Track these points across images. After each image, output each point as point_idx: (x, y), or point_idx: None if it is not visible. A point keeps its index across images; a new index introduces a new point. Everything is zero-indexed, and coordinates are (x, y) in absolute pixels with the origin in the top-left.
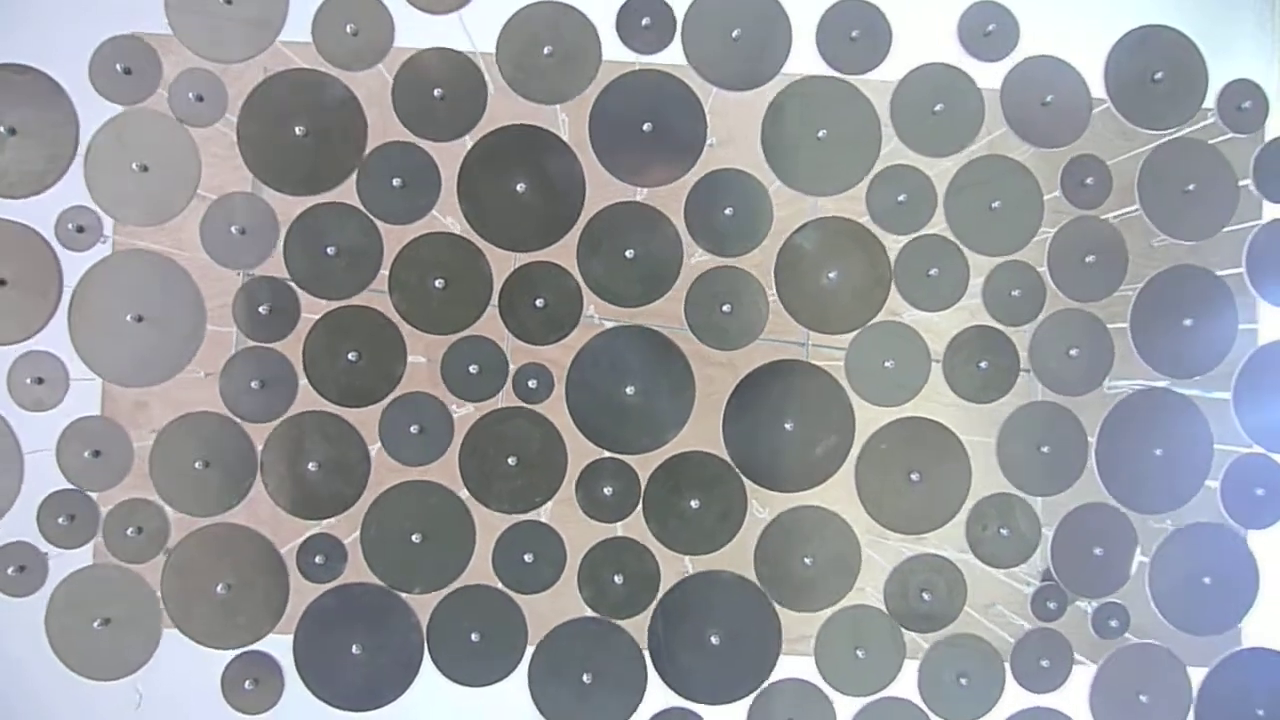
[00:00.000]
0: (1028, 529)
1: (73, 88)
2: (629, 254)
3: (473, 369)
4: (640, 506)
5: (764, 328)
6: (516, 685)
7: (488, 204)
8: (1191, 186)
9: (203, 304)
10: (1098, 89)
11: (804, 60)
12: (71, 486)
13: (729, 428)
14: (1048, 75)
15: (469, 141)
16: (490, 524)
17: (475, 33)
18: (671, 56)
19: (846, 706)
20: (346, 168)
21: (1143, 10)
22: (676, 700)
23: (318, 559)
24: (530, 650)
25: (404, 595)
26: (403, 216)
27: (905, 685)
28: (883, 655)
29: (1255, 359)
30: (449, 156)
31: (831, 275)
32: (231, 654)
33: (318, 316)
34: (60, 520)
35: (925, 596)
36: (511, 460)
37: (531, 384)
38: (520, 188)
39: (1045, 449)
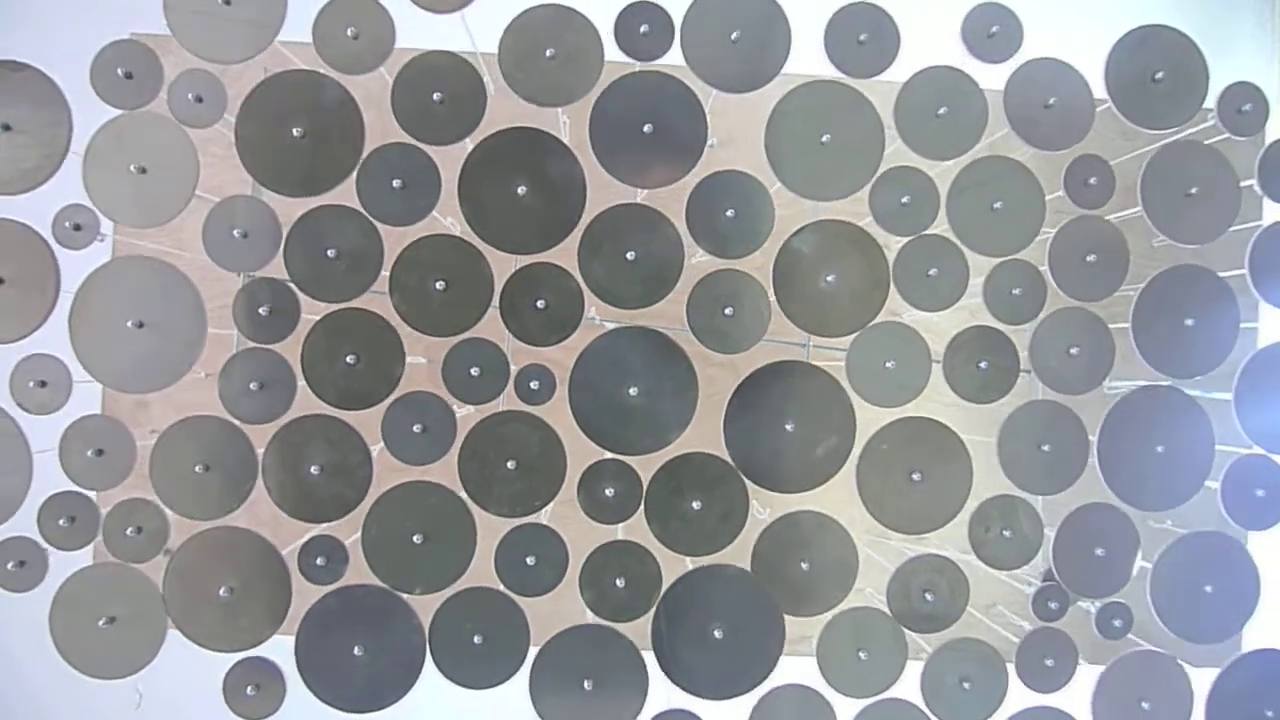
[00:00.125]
0: (1030, 531)
1: (72, 87)
2: (630, 256)
3: (474, 371)
4: (642, 508)
5: (766, 331)
6: (518, 688)
7: (488, 206)
8: (1194, 190)
9: (204, 310)
10: (1098, 89)
11: (805, 62)
12: (72, 488)
13: (730, 428)
14: (1050, 78)
15: (469, 144)
16: (492, 525)
17: (476, 34)
18: (671, 58)
19: (847, 707)
20: (344, 169)
21: (1143, 10)
22: (677, 701)
23: (319, 560)
24: (532, 652)
25: (405, 596)
26: (403, 218)
27: (908, 687)
28: (885, 657)
29: (1256, 360)
30: (449, 158)
31: (830, 278)
32: (233, 656)
33: (318, 318)
34: (61, 522)
35: (928, 597)
36: (511, 464)
37: (533, 385)
38: (521, 190)
39: (1046, 448)
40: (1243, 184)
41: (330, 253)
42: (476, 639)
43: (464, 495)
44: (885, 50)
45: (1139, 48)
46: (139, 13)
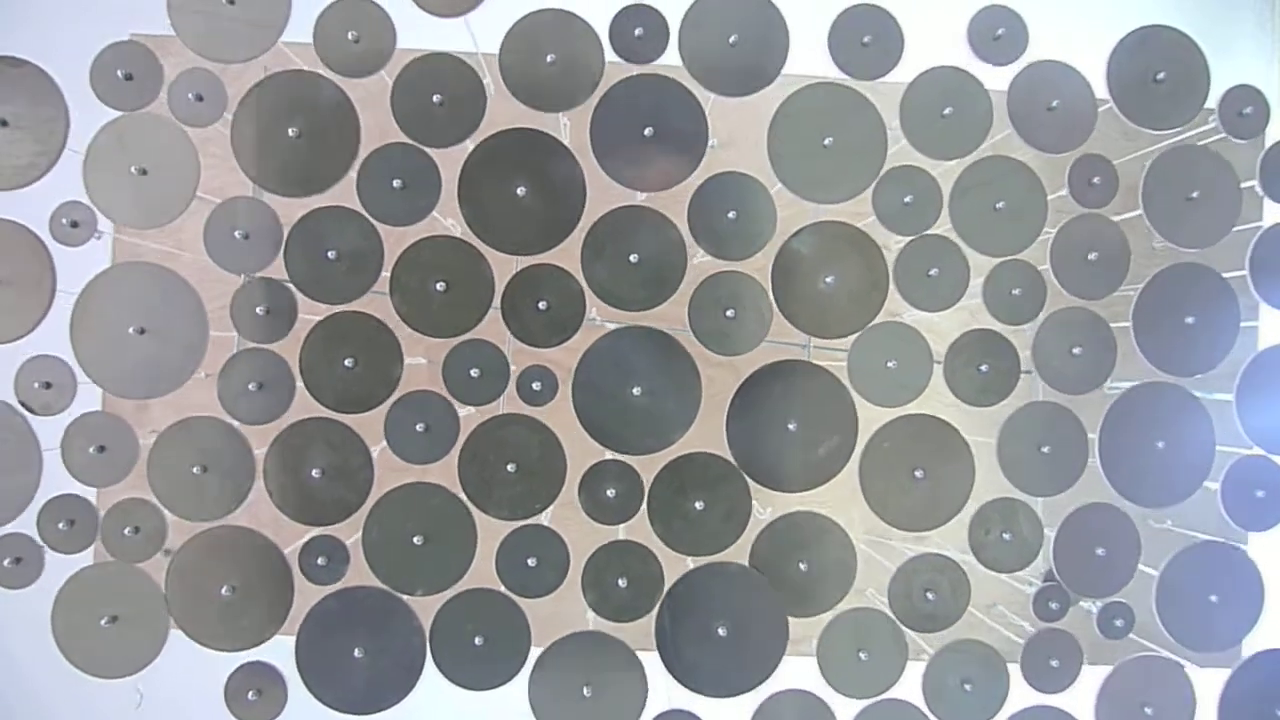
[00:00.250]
0: (1030, 534)
1: (72, 87)
2: (633, 258)
3: (474, 372)
4: (644, 508)
5: (767, 333)
6: (519, 689)
7: (489, 208)
8: (1195, 194)
9: (205, 316)
10: (1100, 89)
11: (809, 63)
12: (74, 483)
13: (732, 427)
14: (1054, 80)
15: (470, 145)
16: (493, 526)
17: (476, 35)
18: (670, 60)
19: (847, 707)
20: (340, 168)
21: (1143, 10)
22: (678, 701)
23: (320, 560)
24: (534, 653)
25: (407, 598)
26: (403, 218)
27: (908, 688)
28: (885, 657)
29: (1257, 362)
30: (449, 159)
31: (828, 280)
32: (234, 655)
33: (317, 317)
34: (60, 526)
35: (929, 596)
36: (511, 467)
37: (535, 386)
38: (521, 191)
39: (1046, 449)
40: (1243, 185)
41: (331, 254)
42: (477, 640)
43: (464, 497)
44: (889, 52)
45: (1140, 48)
46: (139, 13)
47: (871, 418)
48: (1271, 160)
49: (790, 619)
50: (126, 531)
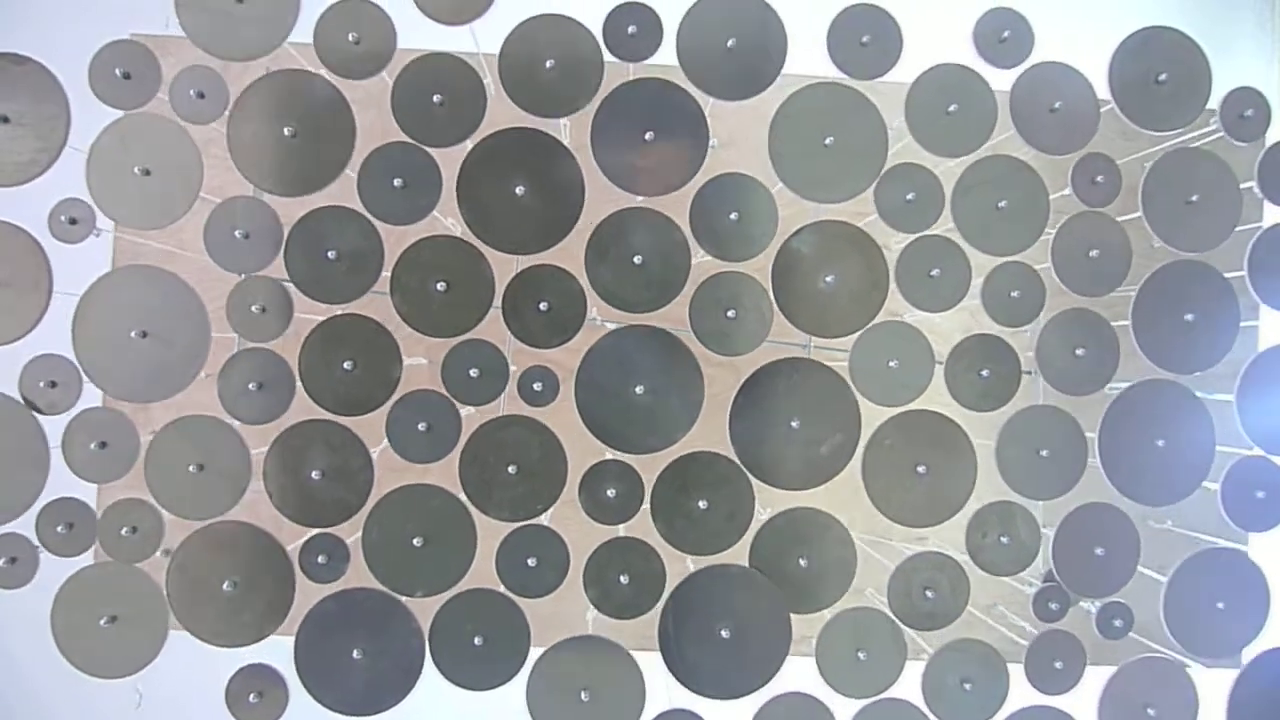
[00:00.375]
0: (1028, 538)
1: (73, 87)
2: (637, 260)
3: (473, 372)
4: (643, 509)
5: (768, 333)
6: (518, 690)
7: (488, 207)
8: (1194, 197)
9: (207, 319)
10: (1101, 90)
11: (808, 63)
12: (73, 485)
13: (735, 426)
14: (1057, 81)
15: (469, 145)
16: (493, 526)
17: (476, 35)
18: (665, 58)
19: (846, 707)
20: (336, 167)
21: (1143, 10)
22: (679, 700)
23: (320, 558)
24: (534, 654)
25: (406, 600)
26: (404, 217)
27: (907, 688)
28: (884, 657)
29: (1258, 362)
30: (449, 158)
31: (829, 279)
32: (234, 655)
33: (316, 315)
34: (59, 529)
35: (928, 594)
36: (511, 468)
37: (537, 387)
38: (519, 190)
39: (1045, 453)
40: (1242, 186)
41: (331, 254)
42: (477, 640)
43: (464, 496)
44: (888, 52)
45: (1142, 49)
46: (140, 12)
47: (872, 416)
48: (1269, 162)
49: (791, 616)
50: (124, 531)
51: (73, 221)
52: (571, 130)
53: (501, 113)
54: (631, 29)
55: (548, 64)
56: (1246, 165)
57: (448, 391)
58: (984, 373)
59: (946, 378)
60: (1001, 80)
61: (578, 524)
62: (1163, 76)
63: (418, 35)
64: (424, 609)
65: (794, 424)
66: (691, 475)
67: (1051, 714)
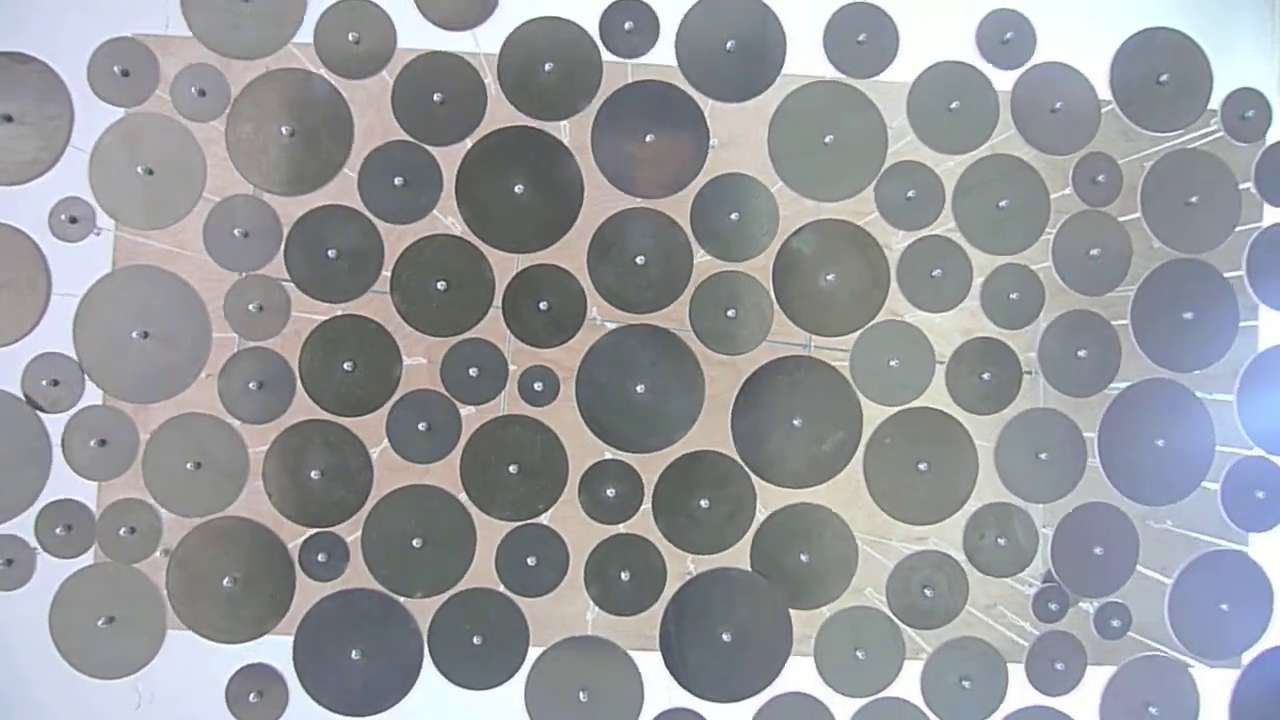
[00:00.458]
0: (1025, 540)
1: (75, 85)
2: (639, 260)
3: (472, 372)
4: (643, 508)
5: (769, 332)
6: (517, 690)
7: (487, 206)
8: (1194, 199)
9: (208, 319)
10: (1102, 91)
11: (805, 62)
12: (73, 484)
13: (737, 424)
14: (1058, 81)
15: (469, 144)
16: (492, 526)
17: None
18: (661, 56)
19: (845, 706)
20: (334, 166)
21: (1143, 10)
22: (679, 700)
23: (320, 557)
24: (533, 653)
25: (405, 600)
26: (404, 216)
27: (906, 687)
28: (883, 656)
29: (1257, 362)
30: (449, 157)
31: (829, 278)
32: (233, 655)
33: (316, 315)
34: (58, 531)
35: (927, 593)
36: (513, 468)
37: (537, 386)
38: (519, 189)
39: (1044, 456)
40: (1241, 186)
41: (331, 253)
42: (476, 640)
43: (463, 496)
44: (884, 50)
45: (1143, 50)
46: (141, 12)
47: (873, 415)
48: (1267, 162)
49: (791, 612)
50: (122, 531)
51: (73, 220)
52: (571, 131)
53: (501, 112)
54: (628, 25)
55: (546, 67)
56: (1246, 166)
57: (448, 391)
58: (985, 376)
59: (948, 380)
60: (1003, 81)
61: (577, 522)
62: (1164, 77)
63: (418, 37)
64: (423, 609)
65: (796, 422)
66: (694, 474)
67: (1051, 714)
